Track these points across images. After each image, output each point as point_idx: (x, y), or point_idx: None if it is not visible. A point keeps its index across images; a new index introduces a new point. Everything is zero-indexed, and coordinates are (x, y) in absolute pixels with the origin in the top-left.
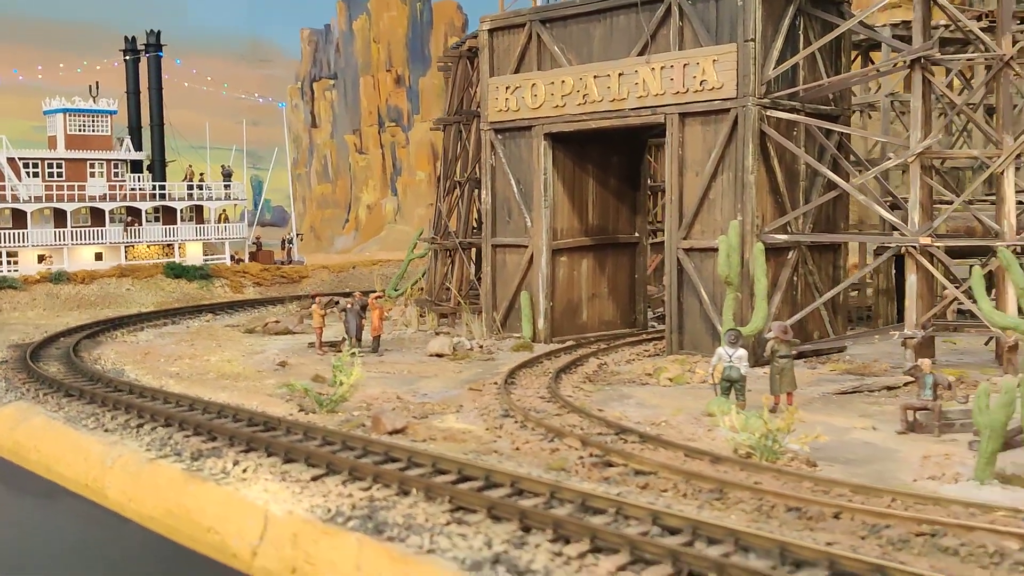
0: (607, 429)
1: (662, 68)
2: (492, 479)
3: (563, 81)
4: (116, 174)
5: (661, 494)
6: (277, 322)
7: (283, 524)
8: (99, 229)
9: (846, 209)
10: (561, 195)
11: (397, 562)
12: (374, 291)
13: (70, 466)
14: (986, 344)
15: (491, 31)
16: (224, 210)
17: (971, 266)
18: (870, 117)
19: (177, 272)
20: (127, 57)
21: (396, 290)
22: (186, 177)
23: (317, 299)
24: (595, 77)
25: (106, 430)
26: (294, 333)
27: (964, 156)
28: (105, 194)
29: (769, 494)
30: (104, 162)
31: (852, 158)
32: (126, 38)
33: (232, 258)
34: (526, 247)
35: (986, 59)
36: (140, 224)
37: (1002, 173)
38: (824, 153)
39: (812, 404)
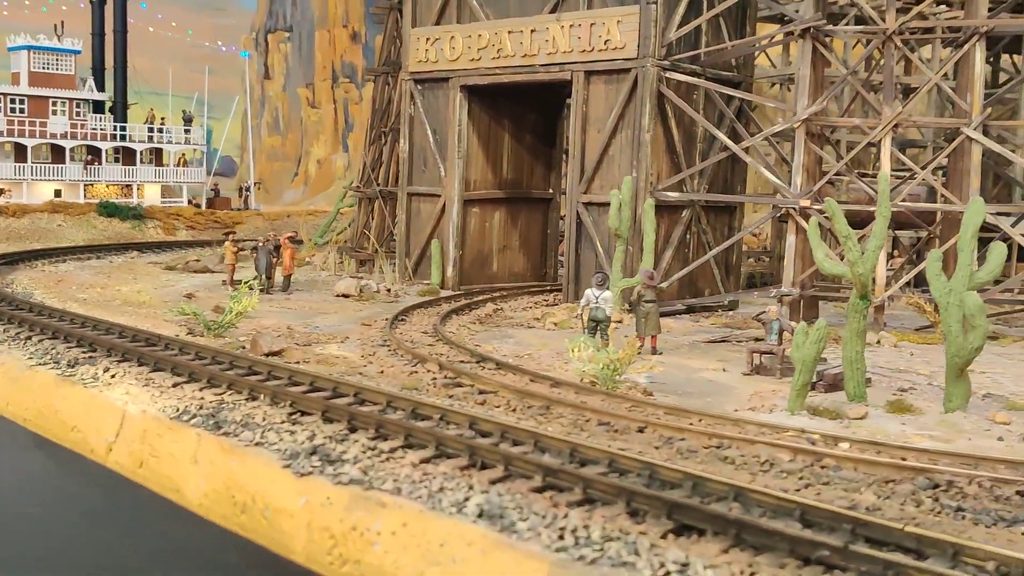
0: (469, 358)
1: (571, 26)
2: (339, 390)
3: (480, 35)
4: (78, 113)
5: (493, 409)
6: (198, 260)
7: (136, 422)
8: (59, 166)
9: (744, 173)
10: (476, 147)
11: (227, 452)
12: (291, 233)
13: None
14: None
15: None
16: (183, 155)
17: (808, 220)
18: (789, 90)
19: (110, 211)
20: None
21: (322, 238)
22: (147, 120)
23: (230, 236)
24: (509, 32)
25: None
26: (213, 272)
27: (846, 124)
28: (66, 132)
29: (587, 411)
30: (67, 100)
31: (752, 126)
32: None
33: (190, 202)
34: (439, 196)
35: (871, 32)
36: (100, 164)
37: (879, 142)
38: (724, 118)
39: (679, 349)
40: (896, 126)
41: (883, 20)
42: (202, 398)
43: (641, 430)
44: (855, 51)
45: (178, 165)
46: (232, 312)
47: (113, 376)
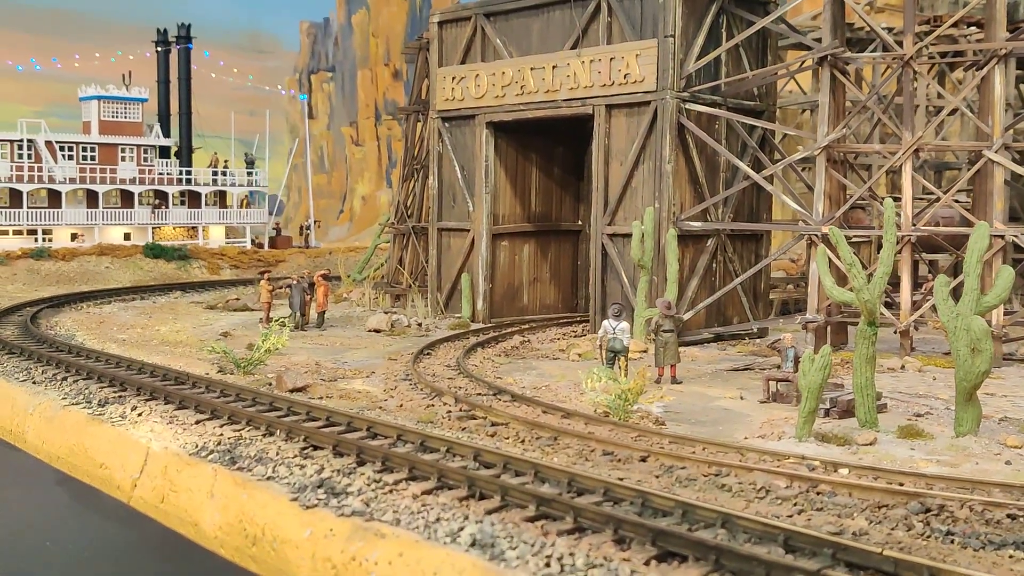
0: (487, 390)
1: (591, 61)
2: (352, 425)
3: (503, 72)
4: (146, 159)
5: (502, 440)
6: (237, 299)
7: (159, 458)
8: (128, 211)
9: (769, 201)
10: (503, 182)
11: (239, 486)
12: (324, 271)
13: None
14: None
15: (440, 23)
16: (246, 196)
17: (808, 245)
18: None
19: (156, 252)
20: (159, 48)
21: (360, 274)
22: (211, 164)
23: (265, 275)
24: (532, 69)
25: (34, 382)
26: (252, 310)
27: (867, 150)
28: (135, 177)
29: (593, 440)
30: (135, 147)
31: (777, 154)
32: (158, 30)
33: (253, 242)
34: (468, 231)
35: (890, 58)
36: (167, 207)
37: (900, 167)
38: (747, 147)
39: (701, 378)
40: (917, 150)
41: (900, 46)
42: (221, 434)
43: (644, 459)
44: (884, 75)
45: (241, 206)
46: (261, 349)
47: (140, 414)
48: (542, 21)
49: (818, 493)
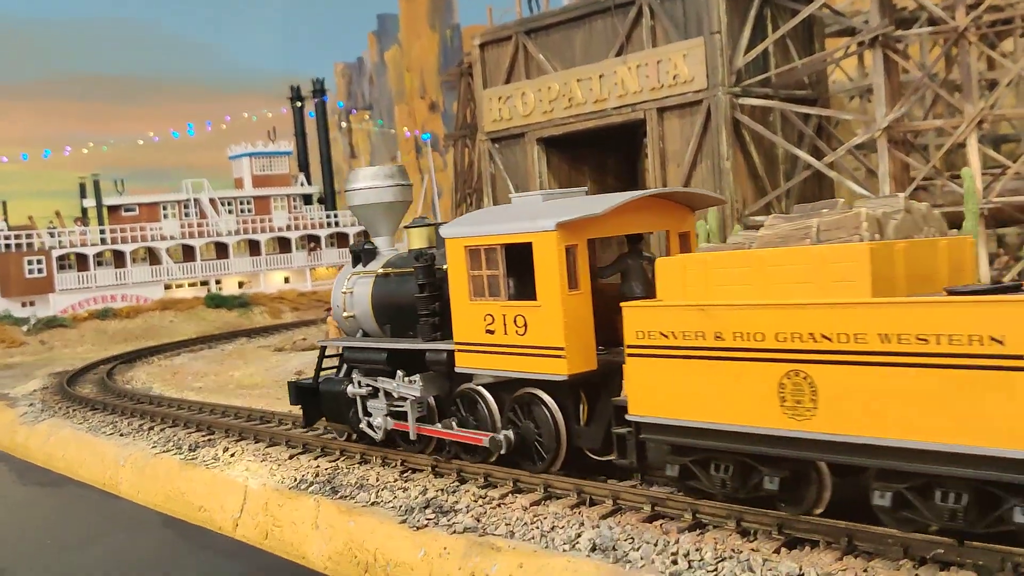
0: None
1: (638, 67)
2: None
3: (550, 87)
4: (295, 207)
5: None
6: (304, 339)
7: (258, 496)
8: (286, 255)
9: (831, 189)
10: None
11: (344, 514)
12: None
13: (90, 468)
14: None
15: (482, 45)
16: None
17: None
18: (869, 101)
19: (217, 302)
20: (298, 104)
21: None
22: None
23: (330, 312)
24: (578, 81)
25: (121, 435)
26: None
27: (928, 127)
28: (289, 224)
29: None
30: (284, 197)
31: (834, 141)
32: (291, 87)
33: None
34: None
35: (943, 32)
36: (320, 249)
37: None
38: (804, 136)
39: None
40: (981, 122)
41: (953, 18)
42: (317, 466)
43: None
44: (933, 52)
45: None
46: None
47: (232, 455)
48: (584, 32)
49: None
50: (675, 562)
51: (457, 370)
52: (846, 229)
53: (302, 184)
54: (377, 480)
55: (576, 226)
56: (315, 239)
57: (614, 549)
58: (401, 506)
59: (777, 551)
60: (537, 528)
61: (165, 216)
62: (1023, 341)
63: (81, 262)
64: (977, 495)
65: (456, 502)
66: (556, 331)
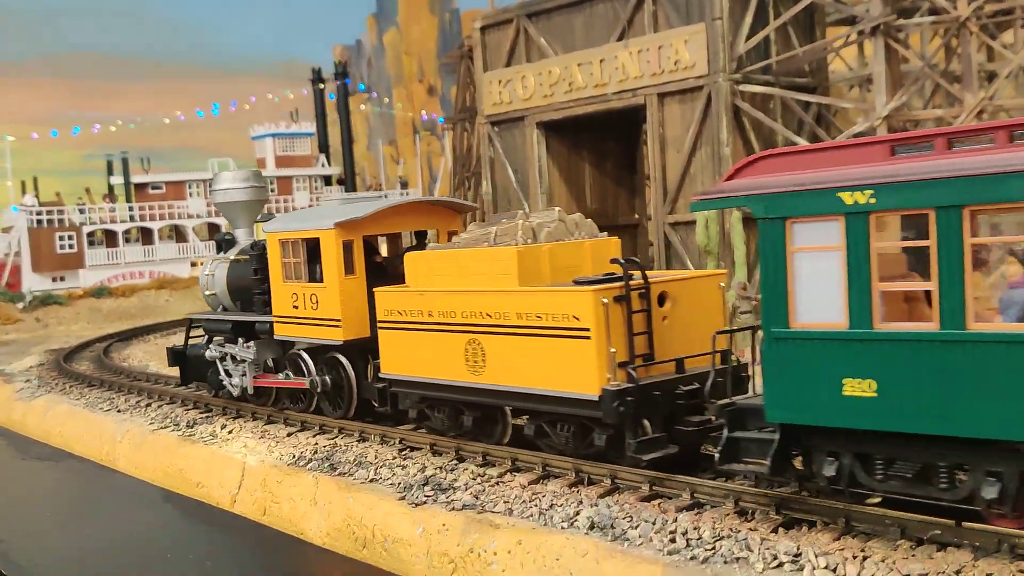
0: None
1: (639, 52)
2: None
3: (550, 71)
4: (316, 187)
5: None
6: None
7: (256, 472)
8: None
9: None
10: (557, 182)
11: (343, 491)
12: None
13: (87, 444)
14: None
15: (483, 28)
16: None
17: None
18: (869, 91)
19: None
20: (319, 86)
21: None
22: (370, 187)
23: None
24: (579, 65)
25: (119, 411)
26: None
27: (929, 116)
28: (310, 204)
29: None
30: (306, 177)
31: (833, 130)
32: (313, 69)
33: None
34: None
35: (944, 22)
36: None
37: None
38: (803, 124)
39: None
40: (980, 112)
41: (955, 8)
42: (316, 443)
43: None
44: (933, 42)
45: None
46: None
47: (230, 432)
48: (585, 16)
49: None
50: (673, 540)
51: (276, 338)
52: (511, 235)
53: (323, 165)
54: (376, 457)
55: (350, 226)
56: None
57: (612, 527)
58: (400, 483)
59: (775, 531)
60: (535, 506)
61: (191, 195)
62: (589, 317)
63: (110, 238)
64: (580, 427)
65: (455, 480)
66: (335, 306)
